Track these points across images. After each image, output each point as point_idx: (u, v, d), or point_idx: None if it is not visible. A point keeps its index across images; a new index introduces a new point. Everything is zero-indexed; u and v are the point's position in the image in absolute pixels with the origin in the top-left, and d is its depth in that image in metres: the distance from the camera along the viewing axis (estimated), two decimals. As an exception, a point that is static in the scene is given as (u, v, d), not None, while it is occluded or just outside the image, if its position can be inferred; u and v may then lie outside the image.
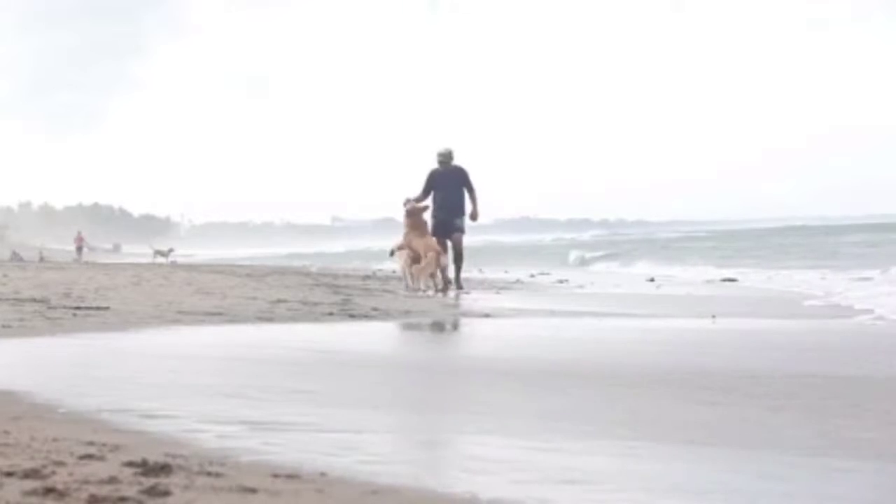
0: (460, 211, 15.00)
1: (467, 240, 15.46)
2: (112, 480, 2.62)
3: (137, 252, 73.16)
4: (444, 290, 13.96)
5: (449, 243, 14.80)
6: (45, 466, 2.74)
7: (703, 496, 2.82)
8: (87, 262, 34.52)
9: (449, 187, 14.85)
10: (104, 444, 3.07)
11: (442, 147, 15.31)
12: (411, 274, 13.89)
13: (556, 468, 3.09)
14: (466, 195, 15.03)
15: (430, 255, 13.66)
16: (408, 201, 14.65)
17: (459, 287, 14.50)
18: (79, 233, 60.04)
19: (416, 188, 15.15)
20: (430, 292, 13.66)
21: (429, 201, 15.08)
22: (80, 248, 55.57)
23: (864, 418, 4.21)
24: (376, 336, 8.16)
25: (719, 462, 3.30)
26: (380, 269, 22.31)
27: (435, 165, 15.16)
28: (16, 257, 42.25)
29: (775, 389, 5.01)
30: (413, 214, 14.38)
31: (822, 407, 4.51)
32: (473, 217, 15.06)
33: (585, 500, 2.71)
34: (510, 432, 3.72)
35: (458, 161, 15.33)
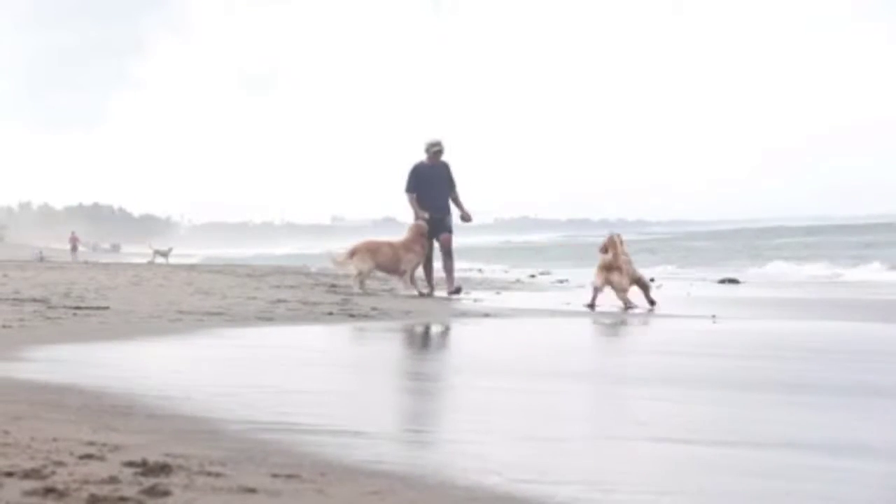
0: (448, 209, 13.92)
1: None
2: (112, 480, 2.62)
3: (137, 252, 73.25)
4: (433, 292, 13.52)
5: (436, 244, 13.80)
6: (45, 466, 2.74)
7: (701, 496, 2.82)
8: (86, 262, 34.52)
9: (435, 184, 13.74)
10: (104, 444, 3.07)
11: (432, 138, 14.01)
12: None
13: (558, 468, 3.09)
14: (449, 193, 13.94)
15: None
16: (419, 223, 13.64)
17: (455, 290, 13.48)
18: (73, 233, 61.34)
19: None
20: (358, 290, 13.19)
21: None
22: (74, 248, 56.35)
23: None
24: (376, 336, 8.15)
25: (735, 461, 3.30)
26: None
27: (420, 158, 13.91)
28: (37, 257, 43.13)
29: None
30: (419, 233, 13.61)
31: None
32: (467, 218, 13.93)
33: (587, 500, 2.71)
34: (512, 432, 3.72)
35: (446, 156, 14.05)
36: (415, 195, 13.73)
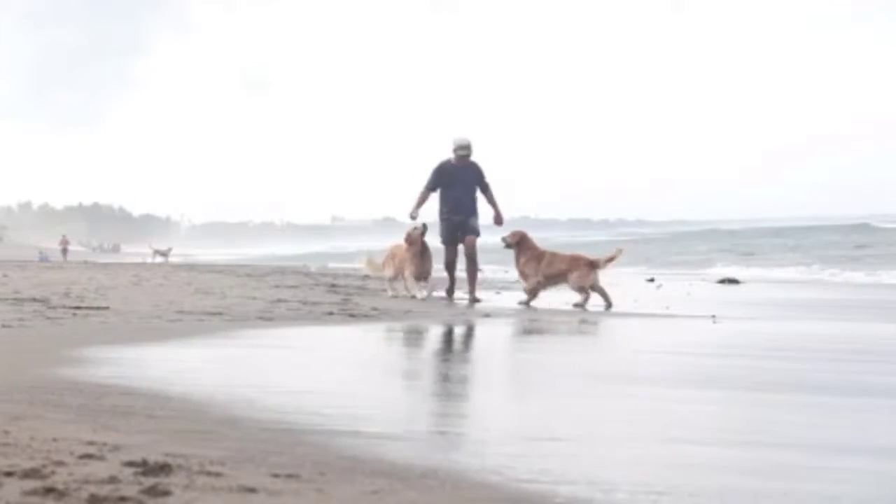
0: (473, 211, 13.24)
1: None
2: (112, 480, 2.62)
3: (137, 252, 73.43)
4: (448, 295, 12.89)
5: (460, 247, 13.14)
6: (45, 466, 2.74)
7: (701, 496, 2.82)
8: (85, 262, 34.55)
9: (459, 185, 13.05)
10: (104, 444, 3.07)
11: (461, 138, 13.27)
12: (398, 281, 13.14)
13: (558, 468, 3.09)
14: (480, 195, 13.27)
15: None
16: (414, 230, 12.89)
17: (475, 299, 12.50)
18: (63, 236, 64.05)
19: (420, 183, 13.25)
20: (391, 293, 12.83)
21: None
22: (65, 251, 58.19)
23: None
24: (375, 336, 8.15)
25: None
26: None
27: (448, 156, 13.22)
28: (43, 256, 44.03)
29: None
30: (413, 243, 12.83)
31: None
32: (499, 222, 13.28)
33: (587, 500, 2.71)
34: (512, 432, 3.72)
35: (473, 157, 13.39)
36: (429, 193, 13.14)
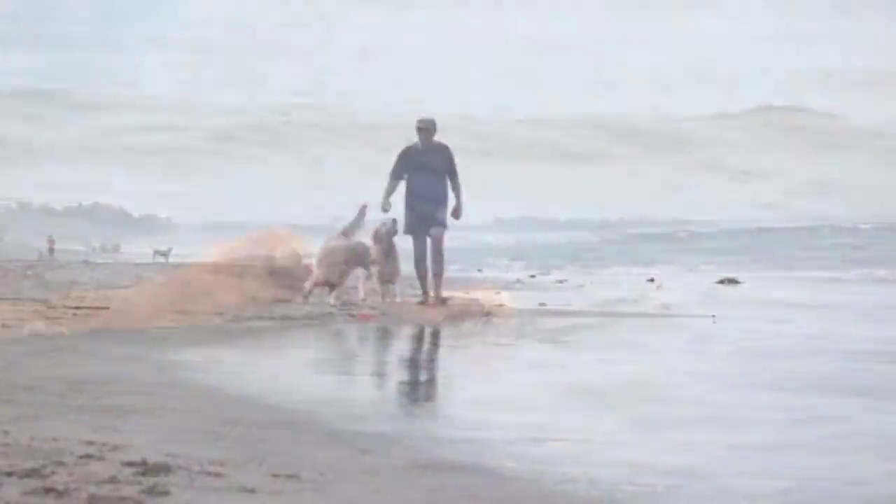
0: (443, 200, 11.66)
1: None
2: (112, 480, 2.62)
3: (137, 252, 73.64)
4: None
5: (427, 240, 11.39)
6: (45, 466, 2.74)
7: (701, 496, 2.82)
8: (86, 262, 34.55)
9: (428, 170, 11.59)
10: (104, 444, 3.07)
11: (420, 116, 11.82)
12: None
13: (558, 467, 3.09)
14: (449, 182, 11.65)
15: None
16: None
17: (442, 300, 11.04)
18: (49, 236, 65.09)
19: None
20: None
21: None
22: (51, 249, 58.83)
23: None
24: (375, 336, 8.15)
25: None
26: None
27: (413, 141, 11.80)
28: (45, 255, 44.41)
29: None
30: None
31: None
32: (456, 215, 11.76)
33: (587, 499, 2.71)
34: (511, 431, 3.72)
35: (441, 138, 11.85)
36: (396, 183, 11.60)
